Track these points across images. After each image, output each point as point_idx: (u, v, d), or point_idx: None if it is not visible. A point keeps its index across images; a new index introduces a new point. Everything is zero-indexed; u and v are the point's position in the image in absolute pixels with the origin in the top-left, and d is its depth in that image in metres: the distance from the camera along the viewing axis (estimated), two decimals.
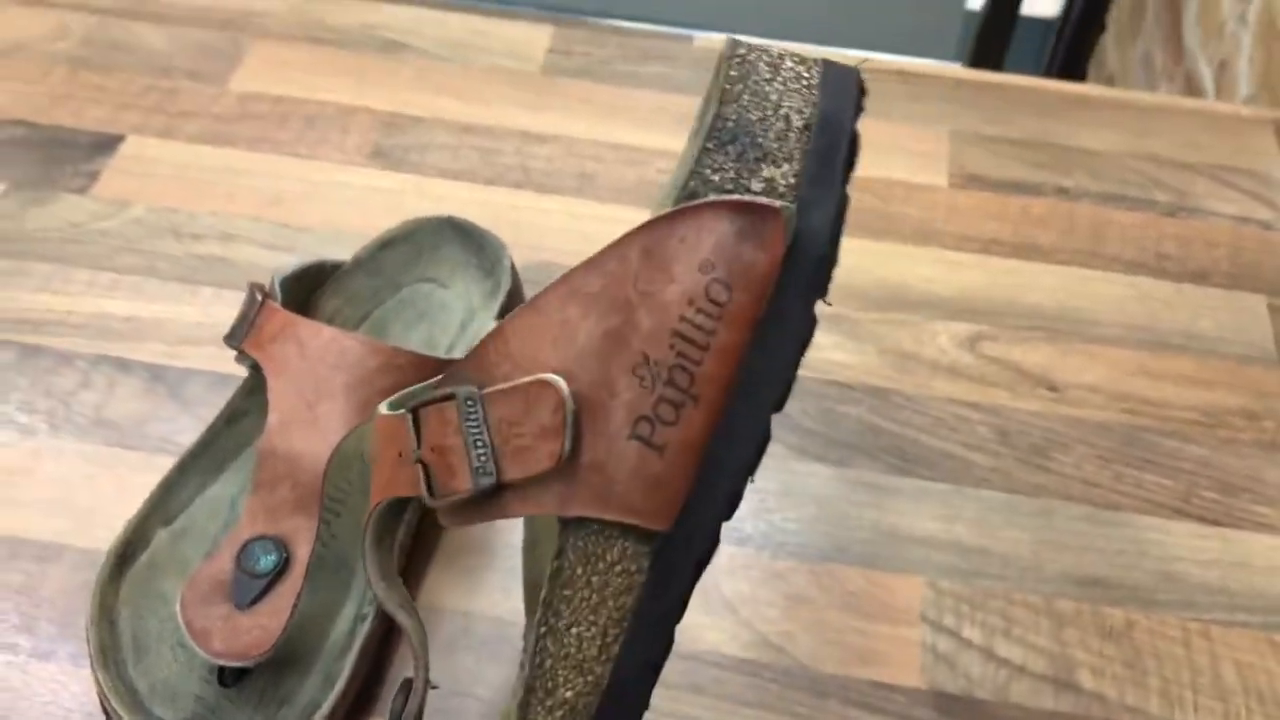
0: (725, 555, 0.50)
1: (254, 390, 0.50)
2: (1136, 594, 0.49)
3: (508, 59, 0.71)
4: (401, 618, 0.36)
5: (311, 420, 0.44)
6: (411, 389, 0.36)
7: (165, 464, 0.52)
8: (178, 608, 0.41)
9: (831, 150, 0.33)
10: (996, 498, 0.52)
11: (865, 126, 0.68)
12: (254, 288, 0.48)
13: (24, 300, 0.57)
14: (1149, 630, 0.48)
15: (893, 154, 0.66)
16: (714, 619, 0.48)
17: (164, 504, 0.47)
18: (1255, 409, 0.56)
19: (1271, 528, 0.52)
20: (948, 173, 0.65)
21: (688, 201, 0.33)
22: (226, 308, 0.58)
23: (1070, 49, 1.32)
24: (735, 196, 0.33)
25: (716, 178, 0.33)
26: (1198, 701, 0.46)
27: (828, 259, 0.33)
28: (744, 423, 0.33)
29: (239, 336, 0.48)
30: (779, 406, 0.33)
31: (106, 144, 0.65)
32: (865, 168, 0.65)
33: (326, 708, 0.41)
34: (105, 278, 0.59)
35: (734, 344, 0.33)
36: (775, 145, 0.33)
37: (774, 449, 0.53)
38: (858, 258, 0.61)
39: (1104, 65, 1.48)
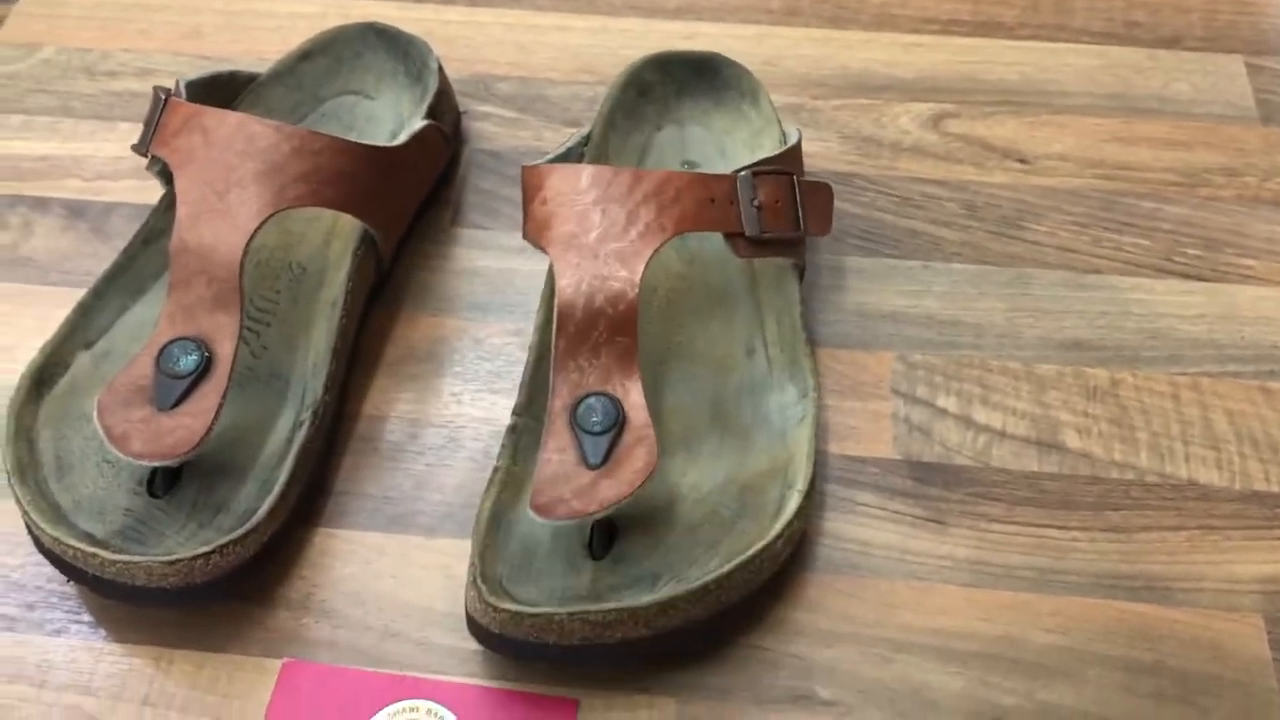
0: None
1: (170, 207, 0.47)
2: (1121, 353, 0.47)
3: None
4: None
5: (223, 211, 0.41)
6: (753, 162, 0.43)
7: None
8: (94, 414, 0.39)
9: None
10: (968, 270, 0.49)
11: None
12: (158, 90, 0.45)
13: None
14: (1135, 387, 0.46)
15: None
16: None
17: (82, 327, 0.44)
18: (1235, 165, 0.53)
19: (1258, 279, 0.49)
20: None
21: None
22: None
23: None
24: None
25: None
26: (1189, 452, 0.44)
27: None
28: None
29: (145, 140, 0.44)
30: None
31: None
32: None
33: (265, 509, 0.39)
34: (15, 120, 0.55)
35: None
36: None
37: None
38: (818, 47, 0.58)
39: None
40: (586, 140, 0.47)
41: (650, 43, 0.58)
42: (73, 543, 0.37)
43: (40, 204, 0.52)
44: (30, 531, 0.38)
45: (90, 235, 0.51)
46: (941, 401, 0.45)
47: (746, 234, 0.42)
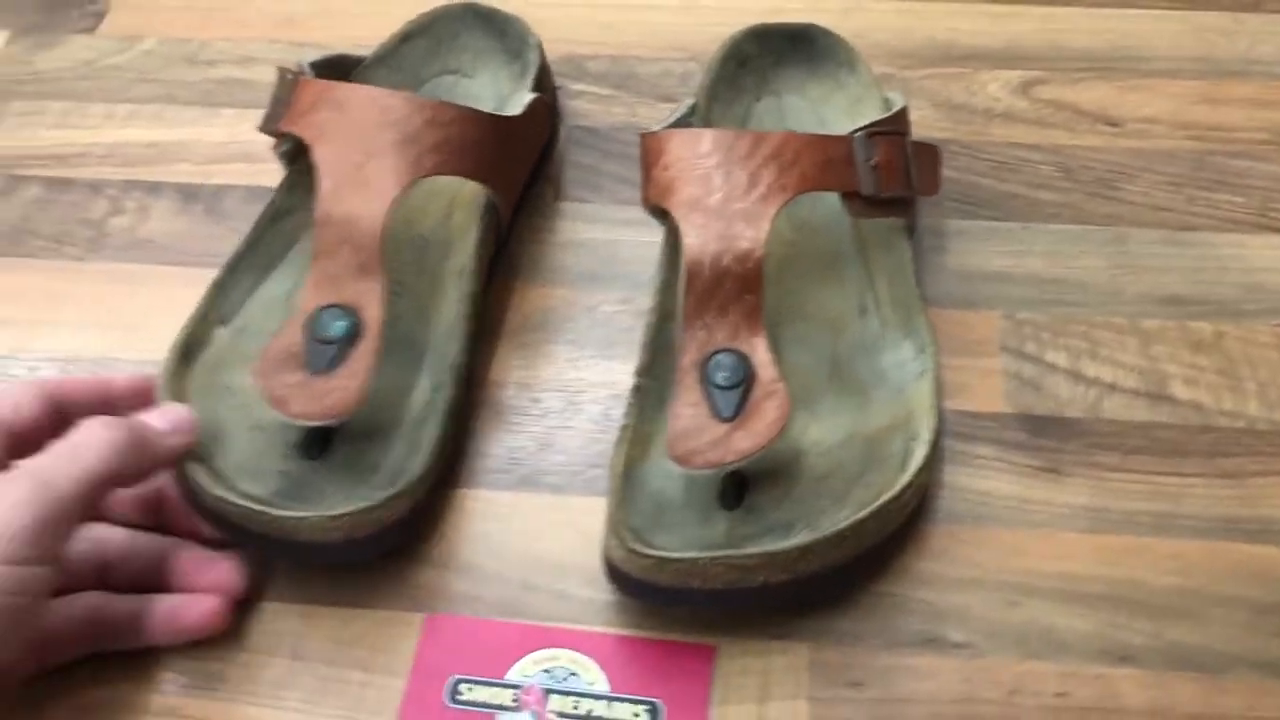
0: None
1: (294, 186, 0.48)
2: (1223, 307, 0.48)
3: None
4: None
5: (362, 181, 0.42)
6: (867, 124, 0.44)
7: (209, 276, 0.50)
8: (252, 378, 0.40)
9: None
10: (1067, 230, 0.50)
11: None
12: (283, 71, 0.47)
13: (44, 136, 0.56)
14: (1240, 339, 0.47)
15: None
16: None
17: (218, 304, 0.45)
18: None
19: None
20: None
21: None
22: (250, 126, 0.55)
23: None
24: None
25: None
26: None
27: None
28: None
29: (275, 119, 0.46)
30: None
31: None
32: None
33: (419, 466, 0.40)
34: (123, 109, 0.57)
35: None
36: None
37: None
38: (904, 19, 0.59)
39: None
40: (692, 111, 0.48)
41: (735, 18, 0.59)
42: (237, 501, 0.38)
43: (154, 188, 0.53)
44: (192, 494, 0.40)
45: (204, 217, 0.52)
46: (1050, 357, 0.46)
47: (863, 193, 0.43)
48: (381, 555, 0.41)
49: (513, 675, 0.39)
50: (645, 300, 0.49)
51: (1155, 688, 0.38)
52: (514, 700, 0.39)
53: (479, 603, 0.41)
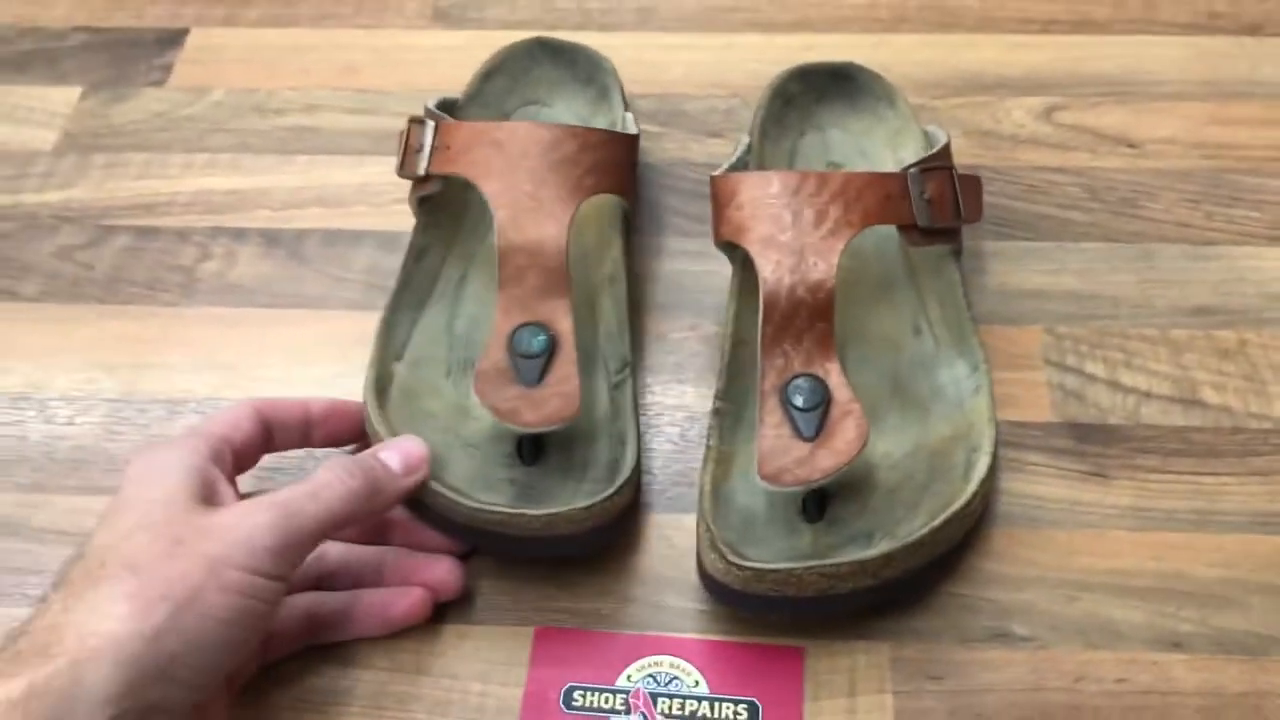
0: None
1: (428, 226, 0.52)
2: (1245, 316, 0.52)
3: None
4: None
5: (538, 207, 0.46)
6: (920, 159, 0.48)
7: (297, 316, 0.53)
8: (477, 402, 0.44)
9: None
10: (1097, 248, 0.54)
11: None
12: (413, 121, 0.50)
13: (128, 188, 0.59)
14: (1261, 346, 0.51)
15: None
16: None
17: (390, 341, 0.49)
18: None
19: None
20: None
21: None
22: (322, 171, 0.59)
23: None
24: None
25: None
26: None
27: None
28: None
29: (418, 164, 0.49)
30: None
31: (172, 38, 0.66)
32: None
33: (632, 456, 0.44)
34: (201, 158, 0.60)
35: None
36: None
37: None
38: (929, 51, 0.63)
39: None
40: (749, 149, 0.52)
41: (772, 55, 0.63)
42: (497, 508, 0.42)
43: (238, 234, 0.57)
44: (441, 514, 0.43)
45: (287, 260, 0.56)
46: (1090, 368, 0.50)
47: (919, 225, 0.47)
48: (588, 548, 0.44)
49: (620, 682, 0.43)
50: (710, 327, 0.52)
51: (1205, 670, 0.42)
52: (624, 704, 0.42)
53: (582, 616, 0.44)
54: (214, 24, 0.66)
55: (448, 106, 0.53)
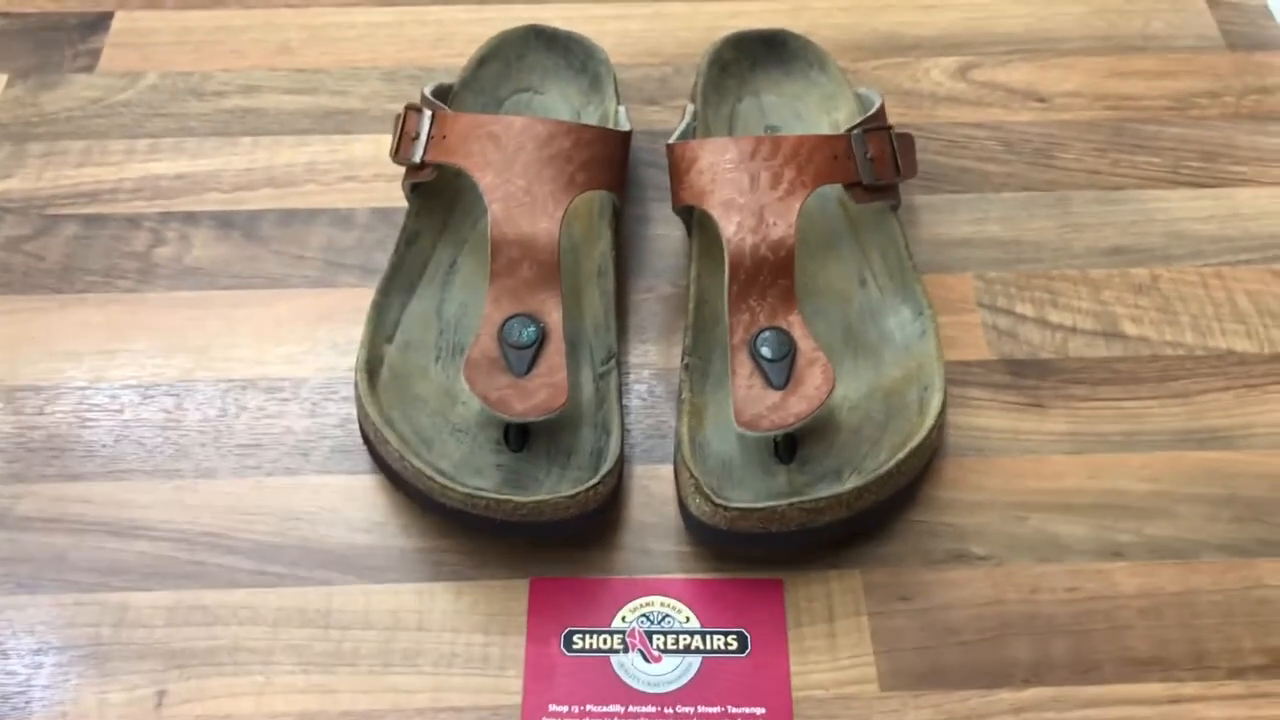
0: None
1: (420, 212, 0.53)
2: (1154, 254, 0.56)
3: None
4: None
5: (532, 202, 0.47)
6: (861, 120, 0.51)
7: (261, 296, 0.54)
8: (466, 388, 0.45)
9: None
10: (1017, 197, 0.58)
11: None
12: (409, 108, 0.51)
13: (69, 176, 0.59)
14: (1171, 280, 0.55)
15: None
16: None
17: (380, 324, 0.50)
18: (1214, 88, 0.63)
19: (1251, 181, 0.59)
20: None
21: None
22: (268, 151, 0.60)
23: None
24: None
25: None
26: (1223, 327, 0.54)
27: None
28: None
29: (414, 151, 0.50)
30: None
31: (96, 22, 0.65)
32: None
33: (616, 445, 0.46)
34: (143, 144, 0.60)
35: None
36: None
37: None
38: (846, 15, 0.66)
39: None
40: (695, 117, 0.55)
41: (701, 23, 0.65)
42: (487, 494, 0.43)
43: (190, 218, 0.57)
44: (430, 497, 0.45)
45: (244, 241, 0.57)
46: (1020, 309, 0.54)
47: (864, 183, 0.50)
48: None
49: (616, 623, 0.45)
50: (666, 288, 0.55)
51: (1144, 575, 0.47)
52: (621, 643, 0.45)
53: (574, 564, 0.47)
54: (137, 7, 0.66)
55: (442, 93, 0.55)
